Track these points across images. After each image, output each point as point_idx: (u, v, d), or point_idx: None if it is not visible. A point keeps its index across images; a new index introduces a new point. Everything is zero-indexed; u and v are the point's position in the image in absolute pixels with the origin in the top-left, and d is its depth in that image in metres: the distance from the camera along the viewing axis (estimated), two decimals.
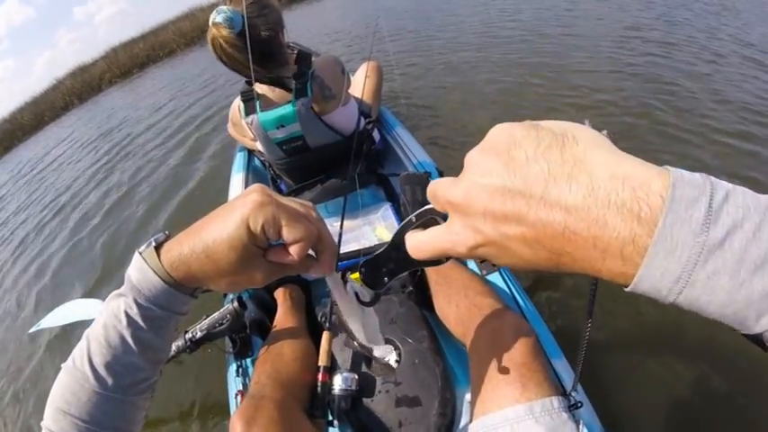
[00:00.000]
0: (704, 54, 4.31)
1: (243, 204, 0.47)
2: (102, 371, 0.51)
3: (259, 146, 1.78)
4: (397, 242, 0.48)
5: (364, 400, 1.12)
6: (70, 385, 0.52)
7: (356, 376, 1.14)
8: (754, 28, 5.26)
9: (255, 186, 0.50)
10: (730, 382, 1.59)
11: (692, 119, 3.24)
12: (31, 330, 2.21)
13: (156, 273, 0.50)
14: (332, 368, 1.17)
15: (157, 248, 0.51)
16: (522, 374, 0.79)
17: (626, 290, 0.30)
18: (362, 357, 1.21)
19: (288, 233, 0.47)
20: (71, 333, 2.50)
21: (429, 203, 1.23)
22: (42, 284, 3.31)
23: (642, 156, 0.30)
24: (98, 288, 2.91)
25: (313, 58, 1.64)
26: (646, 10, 5.99)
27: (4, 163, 9.97)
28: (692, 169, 0.28)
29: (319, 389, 1.11)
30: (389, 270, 0.52)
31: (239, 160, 2.44)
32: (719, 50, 4.37)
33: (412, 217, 0.47)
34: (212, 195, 3.37)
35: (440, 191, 0.39)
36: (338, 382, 1.12)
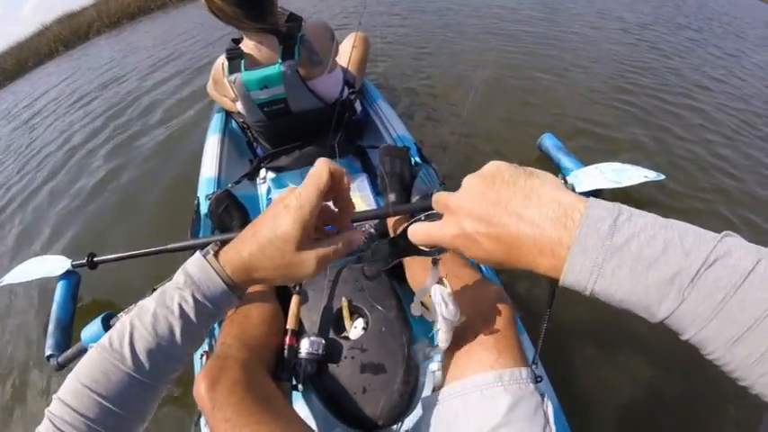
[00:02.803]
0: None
1: (286, 202, 0.57)
2: (142, 356, 0.56)
3: (239, 106, 1.74)
4: (405, 232, 0.61)
5: (330, 365, 1.12)
6: (102, 365, 0.55)
7: (323, 341, 1.14)
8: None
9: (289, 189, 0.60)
10: (683, 375, 1.68)
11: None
12: None
13: (218, 275, 0.58)
14: (299, 332, 1.17)
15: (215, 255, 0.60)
16: (499, 341, 0.81)
17: (559, 284, 0.42)
18: (330, 322, 1.21)
19: (323, 166, 0.58)
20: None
21: (404, 173, 1.32)
22: (7, 236, 3.21)
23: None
24: (64, 244, 2.84)
25: (303, 23, 1.61)
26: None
27: None
28: None
29: (286, 352, 1.10)
30: (394, 253, 0.66)
31: (216, 122, 2.39)
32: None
33: (421, 216, 0.60)
34: (187, 156, 3.29)
35: (442, 197, 0.53)
36: (305, 346, 1.11)
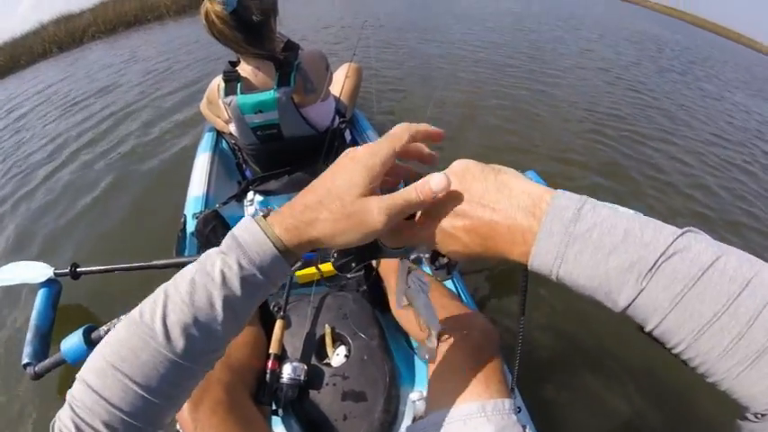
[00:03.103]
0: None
1: (352, 154, 0.52)
2: (175, 331, 0.47)
3: (232, 128, 1.76)
4: None
5: (311, 391, 1.14)
6: (130, 340, 0.47)
7: (305, 367, 1.15)
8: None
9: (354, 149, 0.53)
10: (661, 399, 1.74)
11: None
12: None
13: (268, 237, 0.49)
14: (282, 357, 1.18)
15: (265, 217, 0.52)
16: (488, 372, 0.83)
17: (529, 268, 0.45)
18: (313, 349, 1.22)
19: (404, 129, 0.53)
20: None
21: None
22: None
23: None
24: (47, 252, 2.79)
25: (300, 51, 1.65)
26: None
27: None
28: None
29: (268, 376, 1.11)
30: (358, 257, 0.61)
31: (206, 140, 2.40)
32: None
33: None
34: (176, 173, 3.23)
35: None
36: (287, 371, 1.12)
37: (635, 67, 7.01)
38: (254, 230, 0.49)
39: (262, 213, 0.52)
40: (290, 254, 0.51)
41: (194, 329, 0.47)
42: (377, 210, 0.48)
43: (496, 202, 0.46)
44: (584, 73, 6.12)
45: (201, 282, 0.48)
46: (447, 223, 0.49)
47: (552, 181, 2.18)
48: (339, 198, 0.48)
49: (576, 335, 1.99)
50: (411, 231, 0.53)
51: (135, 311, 0.49)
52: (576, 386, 1.79)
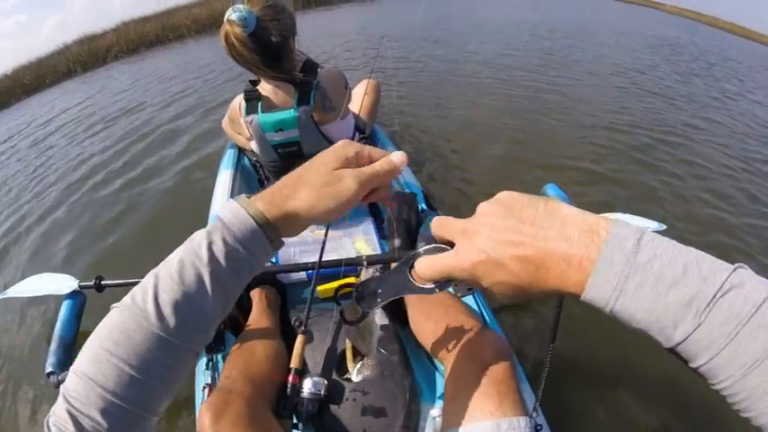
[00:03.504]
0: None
1: (330, 150, 0.57)
2: (167, 310, 0.49)
3: (253, 145, 1.80)
4: (402, 268, 0.57)
5: (331, 406, 1.14)
6: (123, 324, 0.49)
7: (326, 381, 1.15)
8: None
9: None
10: (690, 422, 1.71)
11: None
12: None
13: (249, 213, 0.53)
14: (302, 371, 1.18)
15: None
16: (500, 391, 0.83)
17: (581, 298, 0.42)
18: (333, 363, 1.23)
19: (375, 152, 0.59)
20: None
21: (411, 219, 1.31)
22: (20, 251, 3.23)
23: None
24: (73, 265, 2.86)
25: (318, 69, 1.67)
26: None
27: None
28: None
29: (288, 390, 1.12)
30: (385, 291, 0.59)
31: (229, 157, 2.44)
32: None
33: (420, 250, 0.55)
34: (201, 189, 3.29)
35: (453, 223, 0.52)
36: (307, 386, 1.13)
37: (652, 71, 6.98)
38: (236, 209, 0.54)
39: (245, 196, 0.56)
40: (271, 229, 0.55)
41: (185, 307, 0.50)
42: (349, 178, 0.54)
43: (549, 228, 0.44)
44: (604, 79, 6.11)
45: (190, 260, 0.51)
46: (496, 251, 0.46)
47: (575, 189, 2.18)
48: (315, 172, 0.55)
49: (604, 352, 1.97)
50: (454, 264, 0.50)
51: (126, 298, 0.51)
52: (605, 405, 1.77)
